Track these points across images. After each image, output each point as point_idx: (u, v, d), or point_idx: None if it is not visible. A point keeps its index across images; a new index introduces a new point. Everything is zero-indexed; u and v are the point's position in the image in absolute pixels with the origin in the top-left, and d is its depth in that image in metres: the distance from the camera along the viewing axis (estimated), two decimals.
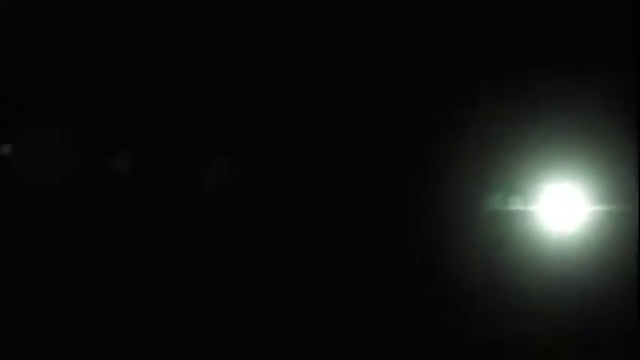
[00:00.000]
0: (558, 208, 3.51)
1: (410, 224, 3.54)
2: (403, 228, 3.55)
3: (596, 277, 3.42)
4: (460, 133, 3.52)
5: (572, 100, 3.47)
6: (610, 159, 3.44)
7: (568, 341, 3.40)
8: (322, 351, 3.50)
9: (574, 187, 3.49)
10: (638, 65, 3.45)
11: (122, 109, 3.66)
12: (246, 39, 3.66)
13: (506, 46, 3.57)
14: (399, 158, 3.58)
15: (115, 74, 3.65)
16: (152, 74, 3.66)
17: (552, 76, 3.48)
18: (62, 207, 3.57)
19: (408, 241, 3.53)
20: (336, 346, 3.50)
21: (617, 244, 3.42)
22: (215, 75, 3.66)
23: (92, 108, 3.64)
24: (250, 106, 3.65)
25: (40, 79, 3.63)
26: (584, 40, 3.50)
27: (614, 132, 3.43)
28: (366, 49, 3.63)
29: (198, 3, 3.66)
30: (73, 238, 3.57)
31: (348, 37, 3.63)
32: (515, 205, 3.50)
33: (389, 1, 3.62)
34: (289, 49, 3.65)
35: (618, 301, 3.38)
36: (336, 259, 3.56)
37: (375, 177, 3.59)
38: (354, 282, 3.54)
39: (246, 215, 3.62)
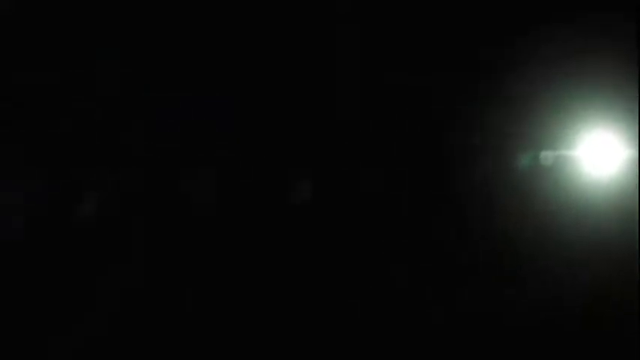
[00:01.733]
0: (596, 153, 3.49)
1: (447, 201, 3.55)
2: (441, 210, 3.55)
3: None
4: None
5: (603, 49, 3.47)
6: None
7: (615, 287, 3.40)
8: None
9: (611, 133, 3.48)
10: None
11: (121, 111, 3.66)
12: (246, 39, 3.65)
13: (507, 44, 3.58)
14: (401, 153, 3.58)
15: (115, 74, 3.65)
16: (152, 74, 3.66)
17: (578, 30, 3.48)
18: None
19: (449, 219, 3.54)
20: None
21: None
22: (215, 75, 3.66)
23: (91, 109, 3.64)
24: (250, 106, 3.65)
25: (38, 79, 3.63)
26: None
27: None
28: (366, 49, 3.63)
29: (197, 3, 3.66)
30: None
31: (348, 37, 3.63)
32: (549, 158, 3.50)
33: (389, 1, 3.62)
34: (289, 49, 3.65)
35: None
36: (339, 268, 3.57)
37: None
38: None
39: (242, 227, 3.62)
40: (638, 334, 3.38)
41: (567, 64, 3.49)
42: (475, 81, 3.57)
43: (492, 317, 3.48)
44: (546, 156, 3.47)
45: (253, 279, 3.57)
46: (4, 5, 3.61)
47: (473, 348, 3.48)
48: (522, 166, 3.50)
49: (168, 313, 3.56)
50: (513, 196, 3.49)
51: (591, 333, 3.41)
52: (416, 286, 3.54)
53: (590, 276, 3.42)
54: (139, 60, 3.66)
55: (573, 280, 3.43)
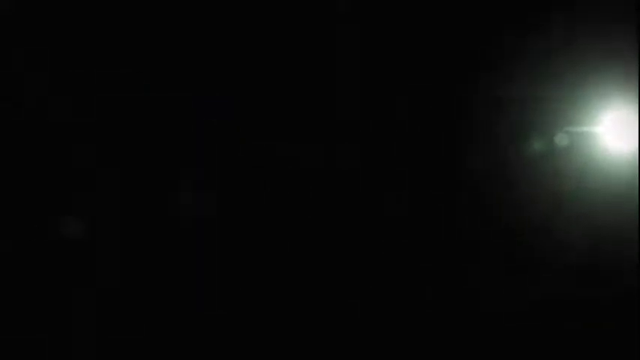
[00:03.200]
0: (617, 131, 3.51)
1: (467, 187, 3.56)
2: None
3: None
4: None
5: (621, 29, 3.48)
6: None
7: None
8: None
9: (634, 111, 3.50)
10: None
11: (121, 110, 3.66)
12: (246, 39, 3.66)
13: (507, 45, 3.59)
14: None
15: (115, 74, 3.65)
16: (152, 74, 3.66)
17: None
18: None
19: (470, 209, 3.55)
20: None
21: None
22: (215, 75, 3.66)
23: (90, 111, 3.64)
24: (250, 107, 3.66)
25: (38, 80, 3.63)
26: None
27: None
28: (366, 49, 3.64)
29: (197, 3, 3.66)
30: None
31: (348, 37, 3.64)
32: (564, 141, 3.51)
33: (389, 1, 3.63)
34: (289, 49, 3.65)
35: None
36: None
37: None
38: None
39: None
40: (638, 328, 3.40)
41: (570, 55, 3.52)
42: (476, 77, 3.59)
43: (492, 317, 3.48)
44: (561, 137, 3.48)
45: (254, 278, 3.58)
46: (4, 5, 3.62)
47: (473, 348, 3.49)
48: (535, 150, 3.51)
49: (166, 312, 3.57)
50: (527, 182, 3.51)
51: (593, 331, 3.42)
52: (416, 286, 3.55)
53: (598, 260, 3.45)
54: (139, 60, 3.66)
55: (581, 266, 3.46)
